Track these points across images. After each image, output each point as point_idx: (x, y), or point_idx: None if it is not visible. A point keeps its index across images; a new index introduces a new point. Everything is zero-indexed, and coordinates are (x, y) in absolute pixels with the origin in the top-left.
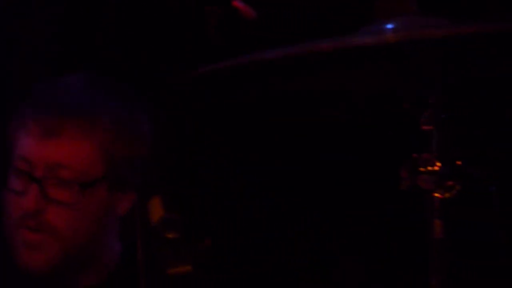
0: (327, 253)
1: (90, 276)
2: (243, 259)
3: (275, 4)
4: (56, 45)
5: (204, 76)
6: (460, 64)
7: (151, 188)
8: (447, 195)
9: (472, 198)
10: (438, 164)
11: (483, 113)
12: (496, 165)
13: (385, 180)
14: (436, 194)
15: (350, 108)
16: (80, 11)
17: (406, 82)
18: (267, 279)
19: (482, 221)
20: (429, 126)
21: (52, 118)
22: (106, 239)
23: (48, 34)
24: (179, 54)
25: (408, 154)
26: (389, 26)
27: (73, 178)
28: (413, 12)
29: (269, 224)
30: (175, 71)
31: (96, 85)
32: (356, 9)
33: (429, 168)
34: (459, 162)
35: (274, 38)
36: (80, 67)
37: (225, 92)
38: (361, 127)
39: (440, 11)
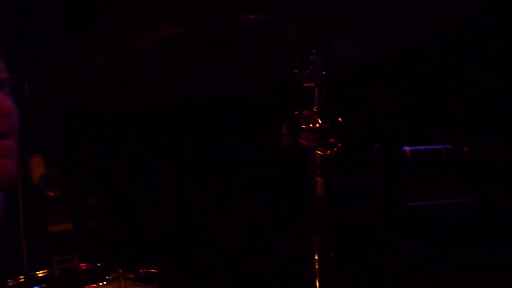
0: (211, 212)
1: None
2: (126, 220)
3: None
4: None
5: None
6: None
7: (33, 145)
8: (328, 152)
9: (354, 156)
10: (319, 121)
11: (366, 71)
12: (379, 122)
13: (267, 138)
14: (318, 152)
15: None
16: None
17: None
18: (150, 236)
19: (364, 179)
20: (310, 84)
21: None
22: None
23: None
24: None
25: (290, 111)
26: None
27: None
28: None
29: (153, 183)
30: None
31: None
32: None
33: (310, 125)
34: (340, 120)
35: None
36: None
37: None
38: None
39: None
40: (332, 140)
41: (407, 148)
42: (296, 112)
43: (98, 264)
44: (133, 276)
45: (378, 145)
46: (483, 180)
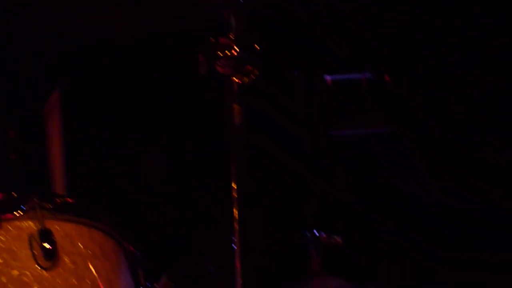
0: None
1: None
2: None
3: None
4: None
5: None
6: None
7: None
8: (245, 79)
9: (272, 83)
10: (236, 48)
11: None
12: (300, 49)
13: (184, 66)
14: (234, 79)
15: None
16: None
17: None
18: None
19: (282, 105)
20: (226, 11)
21: None
22: None
23: None
24: None
25: (206, 39)
26: None
27: None
28: None
29: None
30: None
31: None
32: None
33: (227, 52)
34: (257, 47)
35: None
36: None
37: None
38: None
39: None
40: (249, 67)
41: (327, 77)
42: (212, 40)
43: (14, 194)
44: (50, 205)
45: (297, 73)
46: (403, 110)
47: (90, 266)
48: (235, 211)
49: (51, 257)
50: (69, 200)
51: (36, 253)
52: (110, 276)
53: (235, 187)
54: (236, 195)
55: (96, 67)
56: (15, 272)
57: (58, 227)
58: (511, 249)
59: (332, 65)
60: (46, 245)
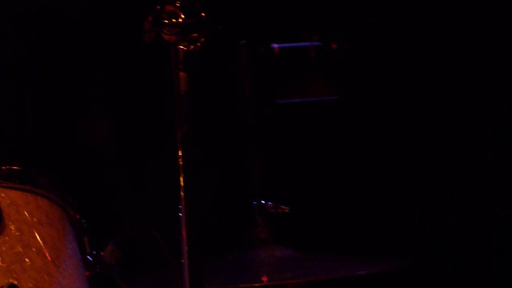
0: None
1: None
2: None
3: None
4: None
5: None
6: None
7: None
8: (191, 47)
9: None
10: (182, 16)
11: None
12: (247, 17)
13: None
14: (180, 46)
15: None
16: None
17: None
18: None
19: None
20: None
21: None
22: None
23: None
24: None
25: (152, 7)
26: None
27: None
28: None
29: None
30: None
31: None
32: None
33: (173, 20)
34: (203, 14)
35: None
36: None
37: None
38: None
39: None
40: (195, 34)
41: (275, 45)
42: (158, 7)
43: None
44: None
45: (244, 41)
46: (351, 78)
47: (36, 234)
48: (181, 179)
49: None
50: (15, 167)
51: None
52: (56, 244)
53: (181, 154)
54: (182, 163)
55: (39, 34)
56: None
57: (3, 194)
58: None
59: (279, 34)
60: None
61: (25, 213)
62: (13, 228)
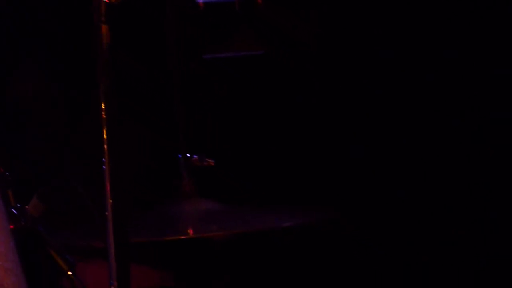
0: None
1: None
2: None
3: None
4: None
5: None
6: None
7: None
8: (113, 0)
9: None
10: None
11: None
12: None
13: None
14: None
15: None
16: None
17: None
18: None
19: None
20: None
21: None
22: None
23: None
24: None
25: None
26: None
27: None
28: None
29: None
30: None
31: None
32: None
33: None
34: None
35: None
36: None
37: None
38: None
39: None
40: None
41: (199, 0)
42: None
43: None
44: None
45: None
46: (276, 32)
47: None
48: (104, 132)
49: None
50: None
51: None
52: None
53: (104, 108)
54: (105, 116)
55: None
56: None
57: None
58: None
59: None
60: None
61: None
62: None
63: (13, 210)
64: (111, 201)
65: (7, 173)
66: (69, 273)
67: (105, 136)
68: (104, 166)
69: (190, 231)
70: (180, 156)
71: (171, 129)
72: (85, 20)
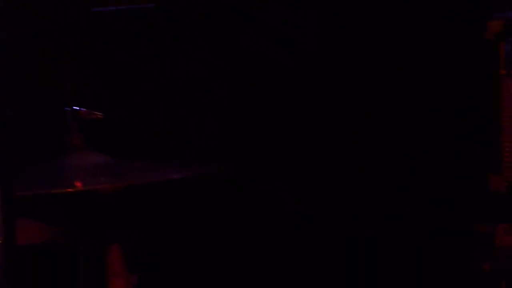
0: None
1: None
2: None
3: None
4: None
5: None
6: None
7: None
8: None
9: None
10: None
11: None
12: None
13: None
14: None
15: None
16: None
17: None
18: None
19: None
20: None
21: None
22: None
23: None
24: None
25: None
26: None
27: None
28: None
29: None
30: None
31: None
32: None
33: None
34: None
35: None
36: None
37: None
38: None
39: None
40: None
41: None
42: None
43: None
44: None
45: None
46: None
47: None
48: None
49: None
50: None
51: None
52: None
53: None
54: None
55: None
56: None
57: None
58: None
59: None
60: None
61: None
62: None
63: None
64: None
65: None
66: None
67: None
68: None
69: (78, 184)
70: (67, 108)
71: (59, 81)
72: None
